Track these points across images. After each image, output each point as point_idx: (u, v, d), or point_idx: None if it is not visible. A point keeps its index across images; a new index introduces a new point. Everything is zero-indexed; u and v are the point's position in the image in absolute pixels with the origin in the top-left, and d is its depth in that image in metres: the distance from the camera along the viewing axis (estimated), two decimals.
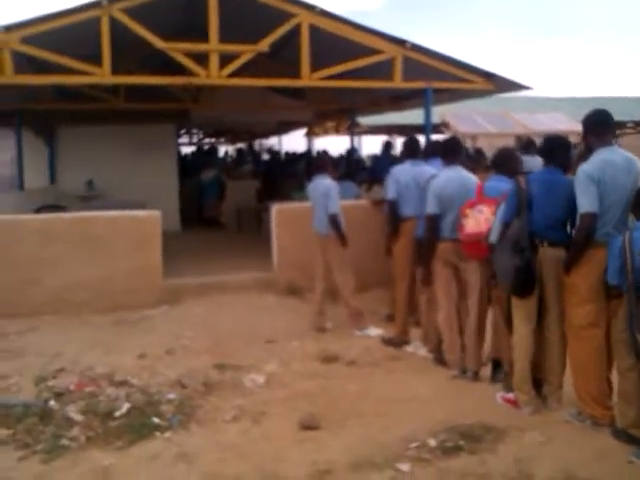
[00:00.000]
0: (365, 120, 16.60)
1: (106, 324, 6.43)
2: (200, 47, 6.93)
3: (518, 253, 3.94)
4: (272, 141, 24.18)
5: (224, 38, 6.93)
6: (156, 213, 6.98)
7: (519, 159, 4.99)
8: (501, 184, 4.57)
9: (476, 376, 4.71)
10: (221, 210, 12.48)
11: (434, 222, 4.88)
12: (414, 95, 9.64)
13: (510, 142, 14.93)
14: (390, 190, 5.64)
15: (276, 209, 7.39)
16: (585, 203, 3.67)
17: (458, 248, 4.76)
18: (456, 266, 4.88)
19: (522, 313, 4.07)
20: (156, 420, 4.09)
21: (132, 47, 8.56)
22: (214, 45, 6.83)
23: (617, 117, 4.17)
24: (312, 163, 6.52)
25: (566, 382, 4.17)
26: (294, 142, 24.32)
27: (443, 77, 7.86)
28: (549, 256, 4.00)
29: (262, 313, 6.65)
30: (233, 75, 7.10)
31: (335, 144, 19.12)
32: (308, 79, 7.26)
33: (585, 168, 3.73)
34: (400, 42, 7.40)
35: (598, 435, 3.75)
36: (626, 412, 3.57)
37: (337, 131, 19.82)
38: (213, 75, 6.89)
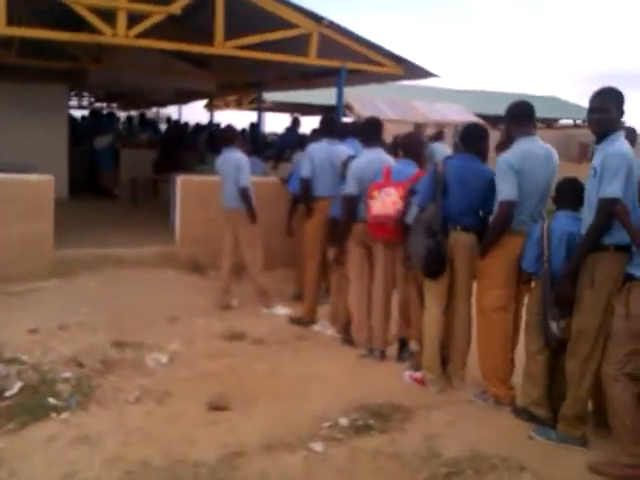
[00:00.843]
0: (269, 96, 16.38)
1: None
2: (108, 3, 6.44)
3: (431, 236, 4.03)
4: (170, 110, 23.31)
5: None
6: (48, 178, 6.49)
7: (424, 144, 5.12)
8: (408, 168, 4.66)
9: (383, 355, 4.78)
10: (117, 180, 11.87)
11: (352, 203, 4.86)
12: (325, 73, 9.59)
13: (409, 129, 15.33)
14: (304, 168, 5.56)
15: (181, 181, 7.10)
16: (505, 191, 3.77)
17: None
18: (369, 247, 4.90)
19: (433, 294, 4.17)
20: (52, 400, 3.82)
21: None
22: (123, 3, 6.39)
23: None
24: (221, 135, 6.27)
25: (469, 362, 4.33)
26: (193, 113, 23.64)
27: (355, 58, 7.85)
28: (461, 241, 4.10)
29: (163, 289, 6.39)
30: (141, 36, 6.68)
31: (237, 118, 18.75)
32: (221, 47, 6.99)
33: (506, 157, 3.84)
34: (317, 18, 7.29)
35: (500, 414, 3.93)
36: (530, 392, 3.75)
37: (239, 105, 19.45)
38: (120, 34, 6.45)
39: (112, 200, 11.53)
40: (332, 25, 7.39)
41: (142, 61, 10.60)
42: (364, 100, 17.44)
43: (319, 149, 5.58)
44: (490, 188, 4.02)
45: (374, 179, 4.74)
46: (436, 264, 4.08)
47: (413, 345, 4.59)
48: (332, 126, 5.76)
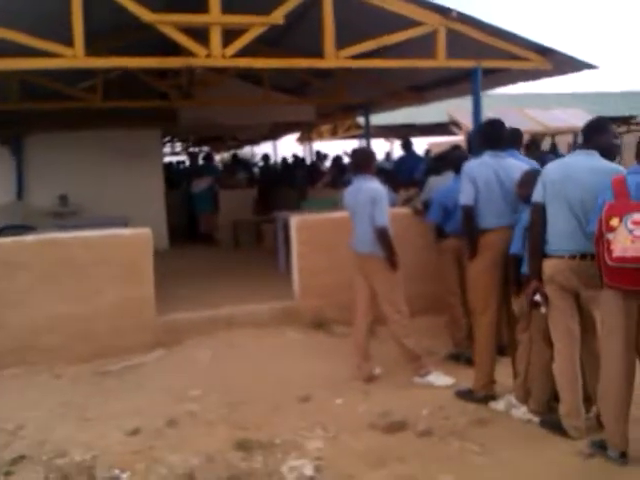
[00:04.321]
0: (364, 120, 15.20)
1: (84, 377, 4.95)
2: (198, 19, 5.42)
3: None
4: (263, 147, 22.62)
5: (225, 11, 5.51)
6: (146, 231, 5.50)
7: None
8: None
9: (624, 457, 3.25)
10: (217, 224, 11.02)
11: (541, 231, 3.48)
12: (449, 80, 8.32)
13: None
14: (465, 192, 4.21)
15: (297, 222, 5.91)
16: None
17: (584, 269, 3.39)
18: (577, 294, 3.48)
19: None
20: None
21: (110, 30, 7.13)
22: (216, 16, 5.36)
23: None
24: (352, 160, 5.00)
25: None
26: (285, 148, 22.91)
27: (490, 54, 6.50)
28: None
29: (285, 356, 5.19)
30: (238, 56, 5.65)
31: (333, 148, 17.64)
32: (334, 59, 5.80)
33: None
34: (443, 11, 6.00)
35: None
36: None
37: (334, 134, 18.41)
38: (216, 54, 5.41)
39: (214, 246, 10.67)
40: (461, 17, 6.08)
41: (235, 95, 9.75)
42: (470, 112, 15.91)
43: (483, 166, 4.21)
44: None
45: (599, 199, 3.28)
46: None
47: None
48: (498, 133, 4.35)
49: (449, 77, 8.45)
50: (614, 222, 3.03)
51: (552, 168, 3.58)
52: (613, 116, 16.14)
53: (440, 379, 4.52)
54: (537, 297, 3.52)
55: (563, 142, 16.96)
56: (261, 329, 5.70)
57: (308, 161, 15.60)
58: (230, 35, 5.59)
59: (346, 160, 13.99)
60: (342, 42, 5.86)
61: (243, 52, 5.68)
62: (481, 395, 4.13)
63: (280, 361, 5.07)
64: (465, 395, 4.21)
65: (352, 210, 4.75)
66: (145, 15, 5.29)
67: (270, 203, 11.15)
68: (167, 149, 20.63)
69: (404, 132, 17.74)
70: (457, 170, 4.88)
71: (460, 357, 4.92)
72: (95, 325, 5.30)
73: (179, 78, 8.87)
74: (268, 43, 7.73)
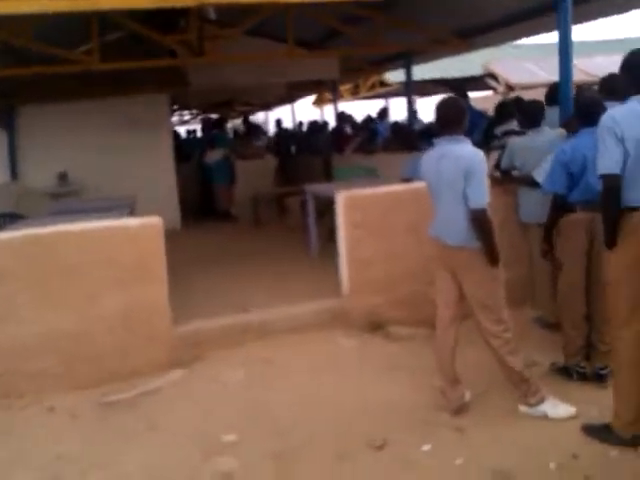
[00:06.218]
0: (395, 76, 13.72)
1: (86, 411, 3.85)
2: None
3: None
4: (277, 113, 21.17)
5: None
6: (156, 221, 4.31)
7: None
8: None
9: None
10: (234, 199, 9.85)
11: None
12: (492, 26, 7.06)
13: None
14: (608, 156, 2.89)
15: (345, 199, 4.66)
16: None
17: None
18: None
19: None
20: None
21: None
22: None
23: None
24: (440, 115, 3.57)
25: None
26: (300, 113, 21.44)
27: None
28: None
29: (339, 374, 4.04)
30: None
31: (354, 111, 16.17)
32: None
33: None
34: None
35: None
36: None
37: (355, 94, 16.99)
38: None
39: (232, 223, 9.51)
40: None
41: (249, 51, 8.48)
42: (509, 64, 14.43)
43: (633, 119, 2.91)
44: None
45: None
46: None
47: None
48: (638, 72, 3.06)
49: (502, 18, 7.12)
50: None
51: None
52: None
53: (558, 409, 3.34)
54: None
55: None
56: (303, 336, 4.55)
57: (331, 124, 14.24)
58: None
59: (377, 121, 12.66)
60: None
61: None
62: (627, 436, 2.96)
63: (334, 381, 3.94)
64: (601, 434, 3.04)
65: (434, 185, 3.49)
66: None
67: (292, 173, 9.99)
68: (175, 118, 19.34)
69: (430, 89, 16.20)
70: (588, 121, 3.65)
71: (572, 372, 3.75)
72: (94, 342, 4.16)
73: (187, 33, 7.63)
74: None
